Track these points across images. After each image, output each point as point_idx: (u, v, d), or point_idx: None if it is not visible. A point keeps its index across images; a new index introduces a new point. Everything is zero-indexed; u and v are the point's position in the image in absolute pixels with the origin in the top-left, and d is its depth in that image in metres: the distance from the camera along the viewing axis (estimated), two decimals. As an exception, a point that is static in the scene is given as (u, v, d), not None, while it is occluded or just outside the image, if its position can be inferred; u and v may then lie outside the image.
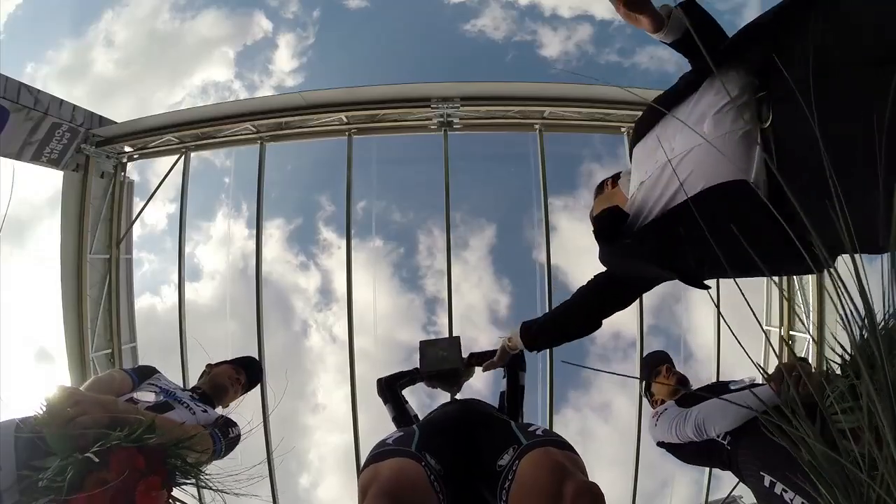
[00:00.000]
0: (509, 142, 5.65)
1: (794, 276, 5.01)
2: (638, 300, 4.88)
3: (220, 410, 1.73)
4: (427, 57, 10.64)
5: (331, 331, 6.99)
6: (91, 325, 5.05)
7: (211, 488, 1.15)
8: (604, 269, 1.33)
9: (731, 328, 0.67)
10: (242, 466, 1.27)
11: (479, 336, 6.76)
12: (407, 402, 1.82)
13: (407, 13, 10.51)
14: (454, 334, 4.52)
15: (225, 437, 1.46)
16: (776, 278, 5.07)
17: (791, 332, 5.15)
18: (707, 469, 4.94)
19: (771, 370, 1.33)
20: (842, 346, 0.70)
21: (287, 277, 7.30)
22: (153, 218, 6.25)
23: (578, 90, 4.60)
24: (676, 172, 1.02)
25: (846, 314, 0.59)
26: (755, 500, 1.34)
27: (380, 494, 0.93)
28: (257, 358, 4.41)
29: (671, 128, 1.09)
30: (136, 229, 5.61)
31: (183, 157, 5.12)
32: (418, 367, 1.79)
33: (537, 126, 4.77)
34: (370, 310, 5.84)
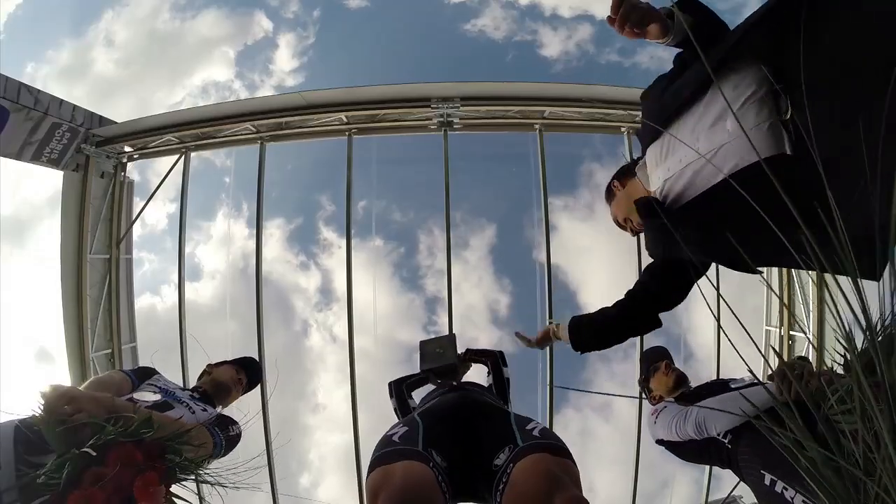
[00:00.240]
0: (509, 142, 5.66)
1: (795, 278, 5.02)
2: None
3: (219, 410, 1.73)
4: (427, 57, 10.64)
5: (331, 330, 7.00)
6: (91, 325, 5.05)
7: (210, 482, 1.15)
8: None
9: (729, 338, 0.67)
10: (241, 463, 1.27)
11: (480, 335, 6.76)
12: (411, 397, 1.94)
13: (407, 13, 10.51)
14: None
15: (225, 434, 1.46)
16: (774, 281, 5.05)
17: (791, 332, 5.15)
18: (707, 469, 4.94)
19: (770, 371, 1.33)
20: (843, 346, 0.70)
21: (287, 277, 7.30)
22: (153, 218, 6.26)
23: (578, 90, 4.60)
24: (697, 173, 1.03)
25: (843, 323, 0.59)
26: (755, 500, 1.34)
27: (392, 501, 0.95)
28: (257, 358, 4.43)
29: (688, 127, 1.07)
30: (137, 229, 5.62)
31: (183, 157, 5.12)
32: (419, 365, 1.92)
33: (537, 126, 4.77)
34: (370, 309, 5.84)
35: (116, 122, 5.05)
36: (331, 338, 6.97)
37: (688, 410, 1.55)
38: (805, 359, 1.35)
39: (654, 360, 1.92)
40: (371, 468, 1.10)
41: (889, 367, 0.56)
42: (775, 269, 5.16)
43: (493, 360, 1.99)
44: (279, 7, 10.05)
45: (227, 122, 4.86)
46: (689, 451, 1.59)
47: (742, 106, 0.96)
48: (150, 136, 5.03)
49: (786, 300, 5.09)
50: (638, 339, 4.95)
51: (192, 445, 1.15)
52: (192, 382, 1.89)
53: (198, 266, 6.65)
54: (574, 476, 1.06)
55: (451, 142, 4.76)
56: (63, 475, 0.90)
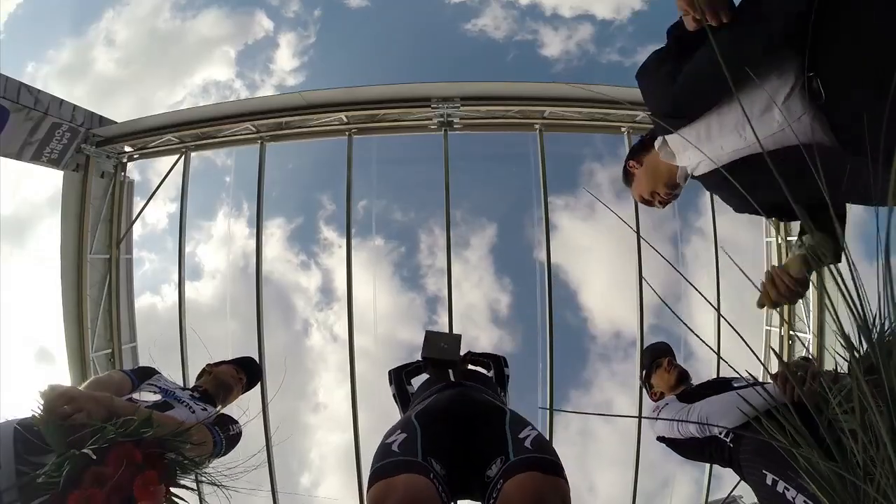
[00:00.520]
0: (509, 142, 5.66)
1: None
2: (638, 299, 4.91)
3: (219, 409, 1.73)
4: (427, 57, 10.64)
5: (331, 330, 7.00)
6: (91, 325, 5.05)
7: (211, 482, 1.15)
8: None
9: (719, 352, 0.67)
10: (241, 463, 1.27)
11: (480, 335, 6.76)
12: (410, 384, 1.99)
13: (407, 13, 10.51)
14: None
15: (225, 434, 1.46)
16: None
17: (791, 332, 5.14)
18: (707, 468, 4.94)
19: (770, 370, 1.32)
20: (844, 345, 0.70)
21: (288, 276, 7.30)
22: (154, 217, 6.27)
23: (578, 90, 4.61)
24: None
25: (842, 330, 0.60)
26: (755, 500, 1.34)
27: None
28: (257, 357, 4.43)
29: (731, 119, 1.06)
30: (137, 229, 5.63)
31: (183, 157, 5.12)
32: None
33: (537, 126, 4.77)
34: (371, 309, 5.85)
35: (116, 122, 5.05)
36: (331, 337, 6.97)
37: (690, 408, 1.54)
38: (808, 359, 1.35)
39: (657, 357, 1.91)
40: (372, 480, 1.10)
41: (889, 371, 0.56)
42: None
43: (497, 362, 2.03)
44: (280, 6, 10.06)
45: (227, 121, 4.87)
46: (690, 448, 1.58)
47: (789, 97, 0.98)
48: (151, 135, 5.03)
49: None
50: (638, 338, 4.95)
51: (192, 444, 1.14)
52: (192, 382, 1.90)
53: (198, 265, 6.66)
54: (563, 494, 1.06)
55: (451, 142, 4.76)
56: (63, 475, 0.90)
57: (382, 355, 5.78)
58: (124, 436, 0.98)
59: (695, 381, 1.82)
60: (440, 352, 1.83)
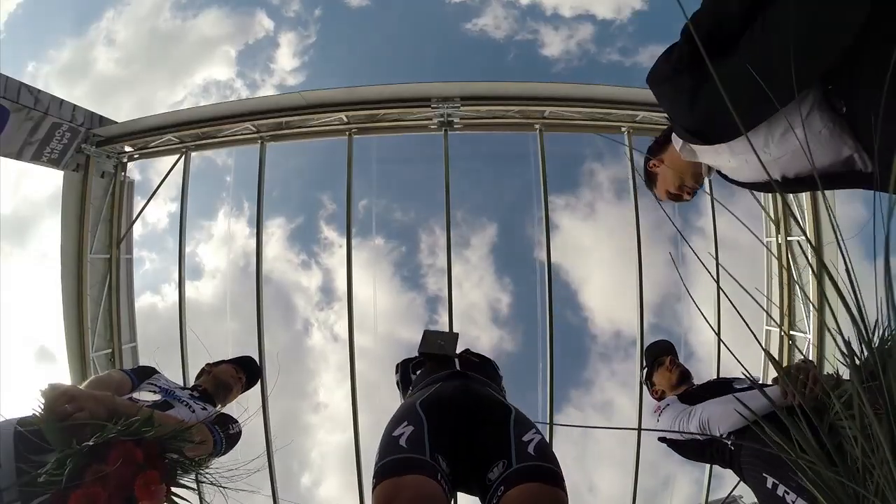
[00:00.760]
0: (510, 141, 5.66)
1: (795, 281, 5.02)
2: (638, 299, 4.91)
3: (219, 409, 1.73)
4: (427, 56, 10.64)
5: (332, 329, 7.00)
6: (91, 324, 5.05)
7: (211, 483, 1.15)
8: None
9: (719, 354, 0.67)
10: (242, 463, 1.27)
11: (481, 334, 6.76)
12: (415, 373, 1.99)
13: (408, 12, 10.51)
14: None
15: (225, 433, 1.46)
16: (775, 281, 5.06)
17: (791, 332, 5.15)
18: (707, 468, 4.94)
19: (770, 371, 1.32)
20: (846, 345, 0.69)
21: (289, 276, 7.31)
22: (155, 217, 6.28)
23: (579, 90, 4.61)
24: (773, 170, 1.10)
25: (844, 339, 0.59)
26: (755, 500, 1.34)
27: None
28: (257, 357, 4.43)
29: (759, 137, 1.06)
30: (138, 228, 5.63)
31: (183, 157, 5.12)
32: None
33: (538, 126, 4.77)
34: (371, 308, 5.85)
35: (117, 122, 5.05)
36: (332, 336, 6.97)
37: (691, 410, 1.54)
38: (809, 361, 1.35)
39: (659, 355, 1.90)
40: (379, 477, 1.08)
41: (889, 379, 0.56)
42: (775, 270, 5.16)
43: (488, 365, 2.03)
44: (280, 6, 10.06)
45: (227, 121, 4.87)
46: (691, 450, 1.59)
47: (810, 113, 0.99)
48: (151, 135, 5.03)
49: (786, 300, 5.09)
50: (638, 337, 4.95)
51: (193, 443, 1.14)
52: (192, 381, 1.90)
53: (199, 265, 6.67)
54: None
55: (451, 142, 4.76)
56: (64, 474, 0.90)
57: (383, 355, 5.78)
58: (125, 435, 0.98)
59: (695, 381, 1.82)
60: (438, 348, 1.86)
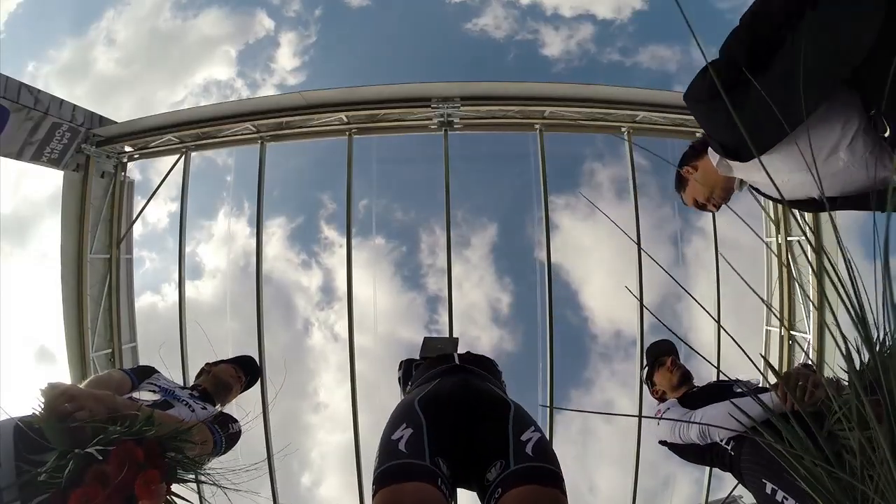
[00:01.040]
0: (510, 141, 5.66)
1: (796, 283, 5.02)
2: (638, 299, 4.90)
3: (219, 408, 1.73)
4: (428, 56, 10.64)
5: (332, 329, 7.00)
6: (91, 324, 5.05)
7: (212, 483, 1.15)
8: None
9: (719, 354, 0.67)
10: (242, 463, 1.27)
11: (481, 334, 6.76)
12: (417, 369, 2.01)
13: (408, 12, 10.52)
14: (455, 334, 4.58)
15: (225, 432, 1.46)
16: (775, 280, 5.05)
17: (791, 332, 5.15)
18: (708, 469, 4.94)
19: (769, 370, 1.32)
20: (846, 346, 0.69)
21: (289, 276, 7.31)
22: (154, 217, 6.28)
23: (579, 90, 4.61)
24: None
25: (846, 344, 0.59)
26: (755, 501, 1.34)
27: None
28: (257, 356, 4.43)
29: (795, 156, 1.04)
30: (138, 228, 5.63)
31: (183, 157, 5.12)
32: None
33: (538, 126, 4.77)
34: (371, 308, 5.85)
35: (117, 122, 5.05)
36: (332, 336, 6.97)
37: (692, 415, 1.54)
38: (809, 366, 1.35)
39: (660, 355, 1.89)
40: (379, 483, 1.07)
41: (892, 384, 0.56)
42: (775, 269, 5.16)
43: (489, 360, 2.04)
44: (281, 6, 10.07)
45: (227, 121, 4.86)
46: (692, 454, 1.59)
47: (854, 140, 1.03)
48: (151, 135, 5.03)
49: (786, 300, 5.09)
50: (638, 337, 4.95)
51: (193, 443, 1.14)
52: (192, 381, 1.90)
53: (199, 265, 6.66)
54: None
55: (451, 142, 4.76)
56: (65, 473, 0.90)
57: (383, 355, 5.78)
58: (126, 434, 0.98)
59: (695, 382, 1.82)
60: (438, 352, 1.89)
